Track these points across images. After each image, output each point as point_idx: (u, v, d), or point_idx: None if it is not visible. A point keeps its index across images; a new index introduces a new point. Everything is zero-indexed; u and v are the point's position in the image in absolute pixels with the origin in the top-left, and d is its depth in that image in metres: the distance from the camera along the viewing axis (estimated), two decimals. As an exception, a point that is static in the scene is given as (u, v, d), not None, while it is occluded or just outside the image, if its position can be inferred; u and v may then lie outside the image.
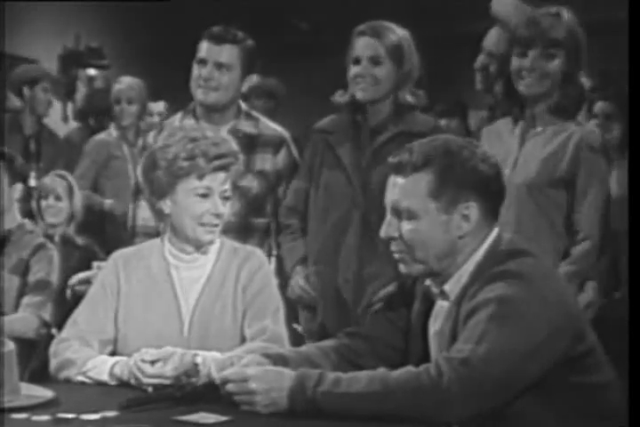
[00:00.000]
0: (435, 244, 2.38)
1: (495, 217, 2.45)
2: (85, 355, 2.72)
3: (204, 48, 3.67)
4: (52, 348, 2.79)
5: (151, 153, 2.83)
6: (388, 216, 2.43)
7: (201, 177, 2.77)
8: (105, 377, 2.65)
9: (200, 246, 2.86)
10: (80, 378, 2.69)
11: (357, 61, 3.56)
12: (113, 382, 2.64)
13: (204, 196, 2.78)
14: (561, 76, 3.36)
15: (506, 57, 3.45)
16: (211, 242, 2.86)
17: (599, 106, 4.62)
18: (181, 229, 2.83)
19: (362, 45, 3.56)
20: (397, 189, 2.41)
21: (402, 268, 2.45)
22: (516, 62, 3.38)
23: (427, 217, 2.37)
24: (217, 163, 2.77)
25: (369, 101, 3.57)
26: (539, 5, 3.51)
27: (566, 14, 3.37)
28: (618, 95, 4.83)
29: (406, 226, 2.39)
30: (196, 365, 2.57)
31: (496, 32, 3.92)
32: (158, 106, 6.21)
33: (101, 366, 2.67)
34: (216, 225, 2.81)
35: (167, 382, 2.53)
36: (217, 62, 3.65)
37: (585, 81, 3.42)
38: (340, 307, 3.56)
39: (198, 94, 3.68)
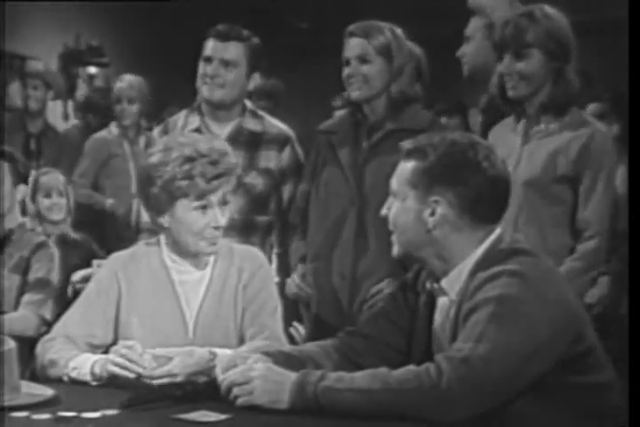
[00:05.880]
0: (407, 229, 2.45)
1: (488, 221, 2.45)
2: (67, 355, 2.67)
3: (210, 46, 3.67)
4: (39, 347, 2.76)
5: (145, 168, 2.78)
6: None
7: (200, 197, 2.74)
8: (88, 378, 2.60)
9: (198, 258, 2.85)
10: (65, 379, 2.64)
11: (348, 62, 3.58)
12: (94, 383, 2.58)
13: (204, 207, 2.75)
14: (547, 72, 3.32)
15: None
16: (211, 254, 2.84)
17: (591, 107, 4.61)
18: (183, 244, 2.81)
19: (351, 46, 3.58)
20: (396, 170, 2.50)
21: (393, 249, 2.52)
22: (498, 68, 3.38)
23: (404, 202, 2.45)
24: (216, 183, 2.73)
25: (363, 100, 3.58)
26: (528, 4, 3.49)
27: (541, 12, 3.32)
28: (614, 96, 4.83)
29: (393, 206, 2.48)
30: (211, 360, 2.54)
31: (475, 21, 3.91)
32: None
33: (82, 367, 2.62)
34: (217, 237, 2.79)
35: (177, 380, 2.49)
36: (223, 59, 3.64)
37: (575, 76, 3.39)
38: (336, 303, 3.56)
39: (204, 92, 3.67)
